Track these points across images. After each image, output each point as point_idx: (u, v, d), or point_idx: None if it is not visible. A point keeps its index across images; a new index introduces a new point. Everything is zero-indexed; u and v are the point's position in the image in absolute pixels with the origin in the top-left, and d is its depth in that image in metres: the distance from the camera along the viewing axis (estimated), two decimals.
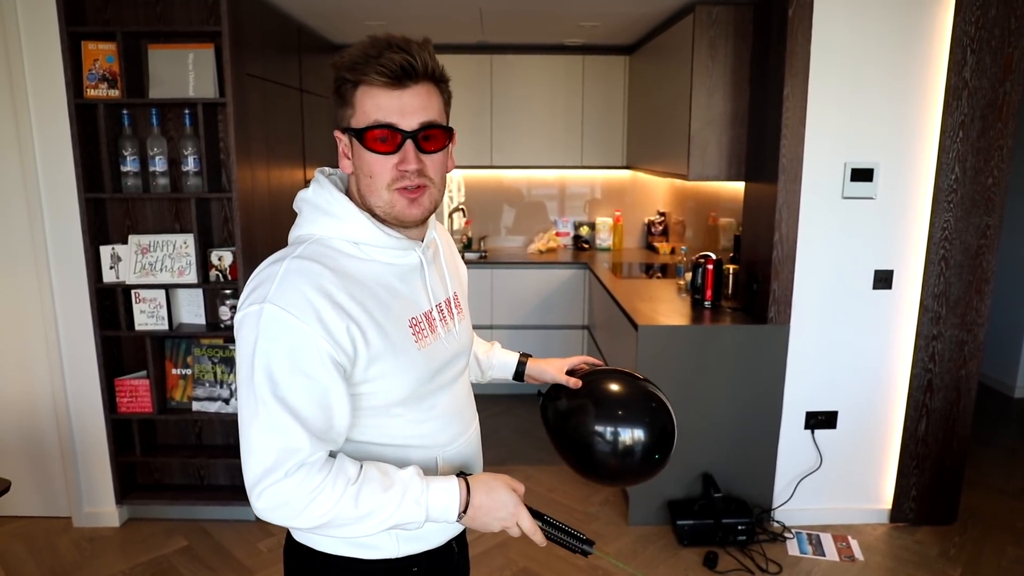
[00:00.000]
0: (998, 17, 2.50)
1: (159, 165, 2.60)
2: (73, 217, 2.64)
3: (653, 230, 4.66)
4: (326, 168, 1.10)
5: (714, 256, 2.98)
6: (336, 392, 0.95)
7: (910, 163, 2.65)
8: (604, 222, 4.68)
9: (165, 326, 2.69)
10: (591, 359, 1.36)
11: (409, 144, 0.98)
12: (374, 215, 1.03)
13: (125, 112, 2.57)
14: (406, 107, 0.97)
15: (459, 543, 1.22)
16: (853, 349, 2.79)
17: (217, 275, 2.69)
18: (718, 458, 2.82)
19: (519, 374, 1.40)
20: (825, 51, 2.56)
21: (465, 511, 1.00)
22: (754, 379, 2.77)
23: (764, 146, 2.76)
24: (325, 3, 3.14)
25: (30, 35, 2.55)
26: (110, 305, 2.73)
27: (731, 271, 3.00)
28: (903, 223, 2.70)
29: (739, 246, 3.10)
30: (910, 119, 2.62)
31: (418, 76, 0.97)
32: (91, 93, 2.52)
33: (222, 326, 2.76)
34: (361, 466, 0.97)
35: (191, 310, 2.78)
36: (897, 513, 2.89)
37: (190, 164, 2.60)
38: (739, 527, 2.68)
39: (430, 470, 1.08)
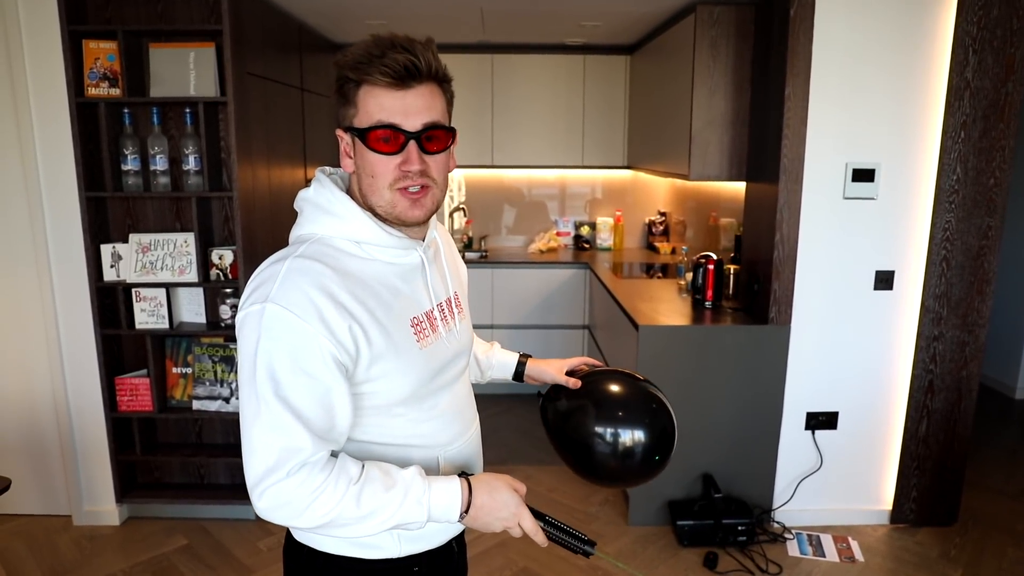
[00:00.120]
0: (1000, 17, 2.49)
1: (160, 164, 2.59)
2: (74, 216, 2.64)
3: (654, 230, 4.66)
4: (327, 167, 1.09)
5: (715, 256, 2.97)
6: (338, 392, 0.95)
7: (912, 163, 2.65)
8: (605, 222, 4.68)
9: (165, 325, 2.69)
10: (591, 360, 1.36)
11: (412, 145, 0.98)
12: (375, 214, 1.03)
13: (126, 111, 2.57)
14: (409, 108, 0.97)
15: (458, 543, 1.22)
16: (854, 350, 2.79)
17: (218, 274, 2.69)
18: (718, 458, 2.82)
19: (518, 374, 1.40)
20: (827, 51, 2.56)
21: (467, 511, 1.00)
22: (755, 379, 2.76)
23: (765, 146, 2.76)
24: (326, 2, 3.14)
25: (31, 34, 2.55)
26: (111, 304, 2.73)
27: (732, 271, 3.00)
28: (904, 223, 2.69)
29: (740, 246, 3.10)
30: (912, 119, 2.62)
31: (422, 76, 0.97)
32: (92, 92, 2.52)
33: (222, 325, 2.76)
34: (363, 466, 0.97)
35: (191, 309, 2.78)
36: (897, 514, 2.88)
37: (191, 163, 2.60)
38: (739, 528, 2.68)
39: (432, 470, 1.08)
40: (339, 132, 1.04)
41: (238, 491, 2.88)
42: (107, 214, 2.71)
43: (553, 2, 3.14)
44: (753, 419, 2.80)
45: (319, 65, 3.88)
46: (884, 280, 2.73)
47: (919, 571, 2.60)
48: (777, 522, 2.88)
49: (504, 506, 1.02)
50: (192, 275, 2.65)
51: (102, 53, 2.51)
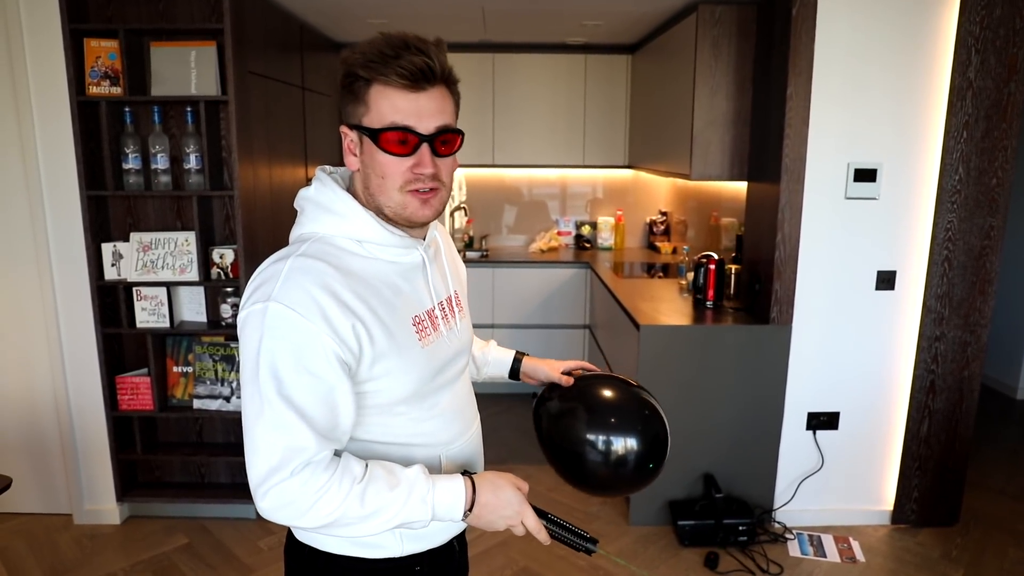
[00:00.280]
0: (1003, 17, 2.49)
1: (161, 163, 2.59)
2: (75, 214, 2.64)
3: (655, 230, 4.66)
4: (327, 167, 1.09)
5: (716, 256, 2.97)
6: (341, 390, 0.95)
7: (914, 163, 2.64)
8: (606, 221, 4.68)
9: (166, 324, 2.69)
10: (588, 364, 1.35)
11: (425, 148, 0.98)
12: (381, 214, 1.03)
13: (127, 109, 2.57)
14: (423, 110, 0.97)
15: (460, 542, 1.22)
16: (855, 350, 2.78)
17: (218, 273, 2.69)
18: (719, 458, 2.81)
19: (514, 372, 1.40)
20: (829, 50, 2.55)
21: (471, 509, 1.00)
22: (756, 379, 2.76)
23: (767, 146, 2.75)
24: (327, 1, 3.14)
25: (32, 32, 2.55)
26: (111, 302, 2.73)
27: (733, 271, 3.00)
28: (906, 223, 2.69)
29: (741, 246, 3.10)
30: (914, 119, 2.61)
31: (435, 79, 0.97)
32: (93, 90, 2.52)
33: (223, 324, 2.76)
34: (367, 465, 0.97)
35: (192, 308, 2.78)
36: (899, 514, 2.88)
37: (192, 162, 2.59)
38: (740, 528, 2.68)
39: (434, 468, 1.08)
40: (344, 128, 1.03)
41: (239, 490, 2.88)
42: (108, 213, 2.71)
43: (554, 1, 3.13)
44: (754, 419, 2.79)
45: (320, 64, 3.88)
46: (886, 280, 2.73)
47: (920, 571, 2.59)
48: (778, 522, 2.87)
49: (507, 504, 1.02)
50: (193, 274, 2.65)
51: (103, 52, 2.51)
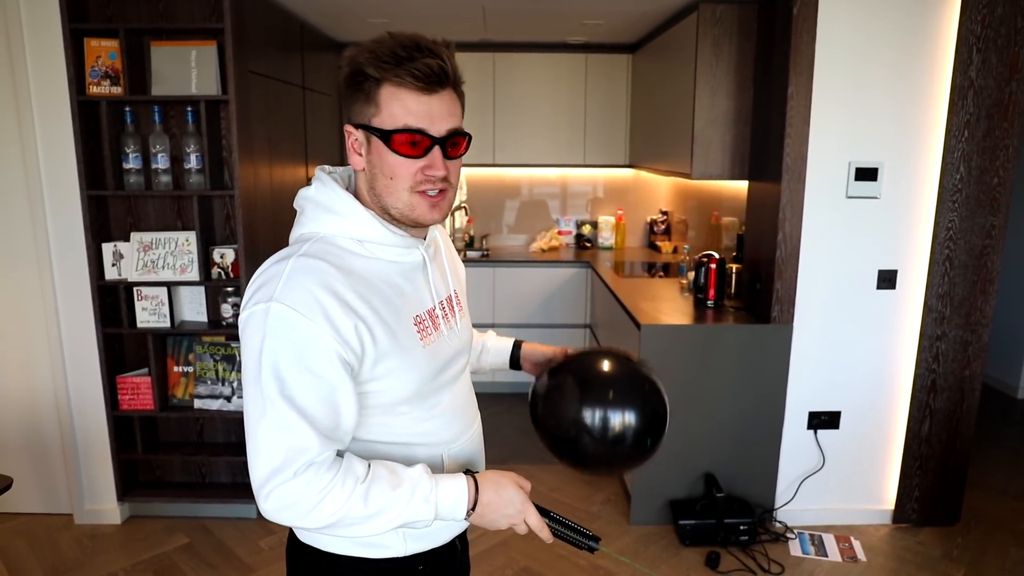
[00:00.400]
0: (1004, 16, 2.49)
1: (161, 162, 2.59)
2: (75, 214, 2.64)
3: (655, 229, 4.65)
4: (326, 166, 1.09)
5: (717, 255, 2.97)
6: (344, 391, 0.95)
7: (915, 162, 2.64)
8: (606, 221, 4.67)
9: (167, 323, 2.68)
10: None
11: (437, 150, 0.98)
12: (387, 214, 1.03)
13: (127, 109, 2.57)
14: (435, 113, 0.97)
15: (461, 541, 1.22)
16: (856, 349, 2.78)
17: (219, 272, 2.69)
18: (720, 458, 2.81)
19: (515, 359, 1.39)
20: (830, 49, 2.55)
21: (474, 508, 1.00)
22: (757, 379, 2.76)
23: (768, 145, 2.75)
24: (328, 0, 3.13)
25: (33, 32, 2.55)
26: (112, 302, 2.73)
27: (734, 270, 2.99)
28: (907, 223, 2.69)
29: (742, 245, 3.09)
30: (915, 118, 2.61)
31: (447, 82, 0.97)
32: (93, 90, 2.52)
33: (224, 323, 2.76)
34: (369, 465, 0.97)
35: (193, 307, 2.78)
36: (900, 514, 2.88)
37: (192, 161, 2.59)
38: (741, 527, 2.67)
39: (436, 468, 1.08)
40: (349, 128, 1.02)
41: (239, 490, 2.88)
42: (108, 212, 2.71)
43: (555, 1, 3.13)
44: (755, 418, 2.79)
45: (321, 63, 3.87)
46: (887, 279, 2.73)
47: (921, 571, 2.59)
48: (779, 522, 2.87)
49: (510, 503, 1.02)
50: (193, 274, 2.65)
51: (103, 51, 2.50)
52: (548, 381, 1.21)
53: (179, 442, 2.94)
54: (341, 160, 4.09)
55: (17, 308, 2.76)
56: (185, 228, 2.73)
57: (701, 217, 4.03)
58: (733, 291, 2.99)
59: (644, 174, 4.70)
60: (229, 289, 2.74)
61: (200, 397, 2.77)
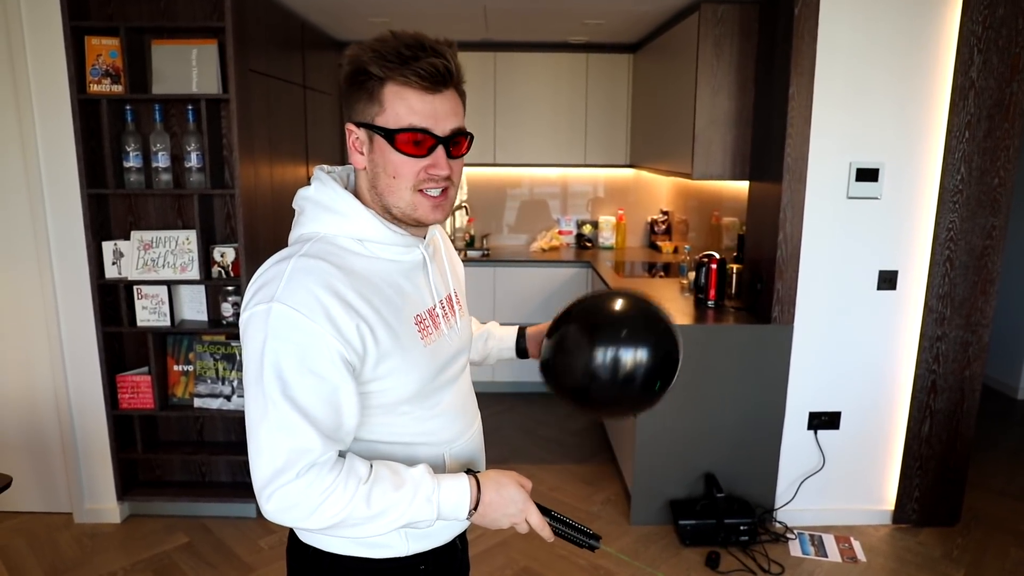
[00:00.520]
0: (1005, 17, 2.48)
1: (162, 161, 2.59)
2: (75, 213, 2.63)
3: (656, 229, 4.65)
4: (324, 166, 1.09)
5: (717, 255, 2.96)
6: (346, 391, 0.94)
7: (916, 163, 2.64)
8: (607, 221, 4.67)
9: (167, 322, 2.68)
10: None
11: (440, 150, 0.98)
12: (388, 213, 1.02)
13: (128, 108, 2.57)
14: (439, 112, 0.97)
15: (461, 540, 1.22)
16: (857, 349, 2.78)
17: (219, 271, 2.69)
18: (721, 458, 2.81)
19: (520, 345, 1.39)
20: (831, 50, 2.55)
21: (475, 508, 1.00)
22: (757, 379, 2.76)
23: (769, 145, 2.75)
24: None
25: (33, 30, 2.55)
26: (112, 301, 2.73)
27: (734, 270, 2.99)
28: (908, 223, 2.68)
29: (743, 245, 3.09)
30: (916, 119, 2.61)
31: (450, 81, 0.97)
32: (94, 88, 2.52)
33: (224, 323, 2.76)
34: (371, 465, 0.97)
35: (193, 306, 2.78)
36: (900, 514, 2.88)
37: (193, 160, 2.59)
38: (741, 527, 2.67)
39: (438, 467, 1.08)
40: (350, 126, 1.01)
41: (239, 489, 2.88)
42: (109, 211, 2.71)
43: (556, 0, 3.13)
44: (755, 419, 2.79)
45: (322, 62, 3.87)
46: (887, 280, 2.72)
47: (921, 571, 2.59)
48: (779, 522, 2.87)
49: (511, 502, 1.02)
50: (194, 272, 2.64)
51: (104, 50, 2.50)
52: (565, 328, 1.20)
53: (179, 441, 2.94)
54: (342, 159, 4.08)
55: (17, 306, 2.76)
56: (185, 227, 2.73)
57: (702, 217, 4.03)
58: (734, 291, 2.99)
59: (645, 174, 4.69)
60: (229, 288, 2.74)
61: (200, 396, 2.77)
